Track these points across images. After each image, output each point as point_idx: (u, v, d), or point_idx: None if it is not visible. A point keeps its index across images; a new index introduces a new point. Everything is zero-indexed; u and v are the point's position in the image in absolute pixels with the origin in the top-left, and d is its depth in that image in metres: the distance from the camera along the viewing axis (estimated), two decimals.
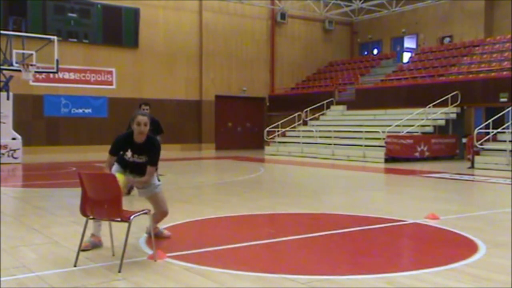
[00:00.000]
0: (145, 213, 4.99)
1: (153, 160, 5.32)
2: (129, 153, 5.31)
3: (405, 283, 4.33)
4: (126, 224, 4.78)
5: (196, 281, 4.40)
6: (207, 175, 15.31)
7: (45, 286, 4.23)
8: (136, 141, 5.27)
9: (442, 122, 20.53)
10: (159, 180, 5.91)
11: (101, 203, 4.77)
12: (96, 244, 5.36)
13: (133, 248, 5.42)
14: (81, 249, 4.99)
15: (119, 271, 4.55)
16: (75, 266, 4.72)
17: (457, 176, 13.92)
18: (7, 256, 5.11)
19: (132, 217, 4.74)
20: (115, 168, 5.41)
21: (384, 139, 18.73)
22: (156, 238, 5.40)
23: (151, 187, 5.54)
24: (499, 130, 17.37)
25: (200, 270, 4.66)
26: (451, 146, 20.10)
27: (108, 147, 5.44)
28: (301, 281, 4.35)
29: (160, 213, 5.68)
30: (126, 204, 8.40)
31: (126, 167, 5.43)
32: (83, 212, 4.89)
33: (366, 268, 4.87)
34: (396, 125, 19.79)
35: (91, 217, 4.90)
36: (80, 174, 4.85)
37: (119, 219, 4.79)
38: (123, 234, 4.82)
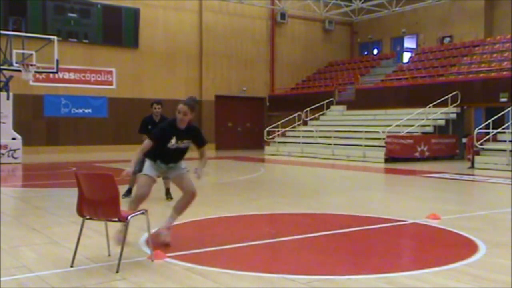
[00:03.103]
0: (143, 213, 4.98)
1: (202, 140, 5.74)
2: (173, 140, 5.50)
3: (405, 283, 4.33)
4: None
5: (196, 281, 4.40)
6: (207, 175, 15.30)
7: (45, 286, 4.23)
8: (179, 128, 5.52)
9: (442, 122, 20.53)
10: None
11: (99, 203, 4.76)
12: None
13: (133, 248, 5.42)
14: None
15: (117, 271, 4.55)
16: (71, 266, 4.71)
17: (457, 176, 13.92)
18: (7, 256, 5.11)
19: (129, 217, 4.73)
20: (148, 169, 5.52)
21: (384, 139, 18.73)
22: (155, 238, 5.45)
23: (180, 169, 5.74)
24: (499, 130, 17.37)
25: (200, 270, 4.65)
26: (451, 146, 20.09)
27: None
28: (301, 281, 4.34)
29: (189, 194, 5.71)
30: (126, 204, 8.40)
31: (163, 155, 5.55)
32: (80, 212, 4.88)
33: (366, 268, 4.86)
34: (396, 125, 19.79)
35: (87, 217, 4.90)
36: (77, 174, 4.84)
37: (116, 219, 4.78)
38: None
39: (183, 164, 5.80)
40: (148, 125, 8.85)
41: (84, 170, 13.17)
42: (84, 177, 4.84)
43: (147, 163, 5.56)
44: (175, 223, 5.79)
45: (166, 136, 5.47)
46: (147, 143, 5.41)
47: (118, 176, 4.96)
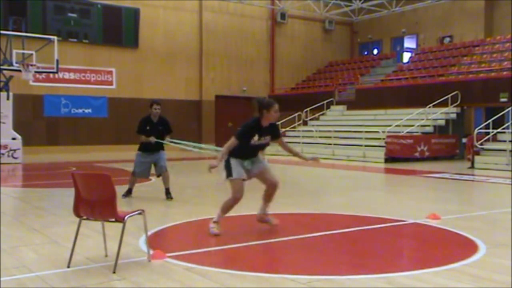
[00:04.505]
0: (140, 214, 4.97)
1: (279, 133, 6.42)
2: (256, 137, 6.02)
3: (405, 283, 4.33)
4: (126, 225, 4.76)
5: (196, 281, 4.40)
6: (207, 175, 15.28)
7: (45, 286, 4.23)
8: (263, 126, 6.05)
9: (442, 122, 20.53)
10: None
11: (95, 203, 4.75)
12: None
13: (133, 248, 5.42)
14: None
15: (114, 272, 4.54)
16: (68, 267, 4.70)
17: (457, 176, 13.91)
18: (7, 256, 5.11)
19: (126, 217, 4.71)
20: (240, 171, 6.06)
21: (384, 139, 18.72)
22: (264, 223, 6.43)
23: (262, 162, 6.32)
24: (499, 130, 17.37)
25: (200, 270, 4.65)
26: (451, 146, 20.09)
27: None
28: (301, 281, 4.34)
29: (272, 186, 6.29)
30: (125, 204, 8.41)
31: (248, 152, 6.12)
32: (76, 212, 4.87)
33: (366, 268, 4.87)
34: (396, 125, 19.79)
35: (84, 217, 4.89)
36: (73, 174, 4.84)
37: (113, 220, 4.77)
38: (125, 234, 4.80)
39: (261, 157, 6.37)
40: (146, 125, 8.85)
41: (84, 170, 13.17)
42: (81, 178, 4.83)
43: (236, 163, 6.05)
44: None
45: (252, 134, 6.03)
46: (232, 140, 6.00)
47: (207, 169, 5.91)
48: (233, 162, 6.05)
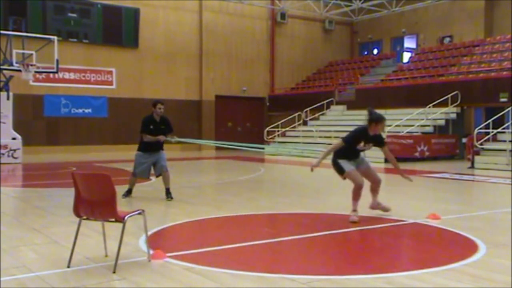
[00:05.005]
0: (140, 214, 4.96)
1: (384, 142, 7.41)
2: (362, 144, 7.02)
3: (405, 283, 4.33)
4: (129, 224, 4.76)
5: (196, 281, 4.40)
6: (207, 175, 15.31)
7: (45, 286, 4.23)
8: (369, 134, 7.00)
9: (442, 122, 20.52)
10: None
11: (95, 203, 4.75)
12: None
13: (133, 248, 5.42)
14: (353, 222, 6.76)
15: (114, 272, 4.54)
16: (68, 267, 4.70)
17: (457, 176, 13.91)
18: (7, 256, 5.11)
19: (126, 217, 4.71)
20: (349, 165, 7.07)
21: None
22: (379, 209, 7.40)
23: (365, 160, 7.35)
24: (499, 130, 17.37)
25: (200, 270, 4.65)
26: (451, 146, 20.09)
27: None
28: (301, 281, 4.34)
29: (376, 182, 7.36)
30: (125, 204, 8.41)
31: (352, 155, 7.14)
32: (76, 212, 4.87)
33: (366, 268, 4.87)
34: (396, 125, 19.78)
35: (84, 217, 4.89)
36: (73, 174, 4.83)
37: (113, 220, 4.77)
38: (125, 234, 4.80)
39: (362, 155, 7.34)
40: (150, 124, 8.89)
41: (84, 170, 13.18)
42: (81, 178, 4.83)
43: (343, 161, 7.01)
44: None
45: (359, 140, 7.03)
46: (338, 143, 7.09)
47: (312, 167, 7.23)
48: (341, 161, 7.02)
